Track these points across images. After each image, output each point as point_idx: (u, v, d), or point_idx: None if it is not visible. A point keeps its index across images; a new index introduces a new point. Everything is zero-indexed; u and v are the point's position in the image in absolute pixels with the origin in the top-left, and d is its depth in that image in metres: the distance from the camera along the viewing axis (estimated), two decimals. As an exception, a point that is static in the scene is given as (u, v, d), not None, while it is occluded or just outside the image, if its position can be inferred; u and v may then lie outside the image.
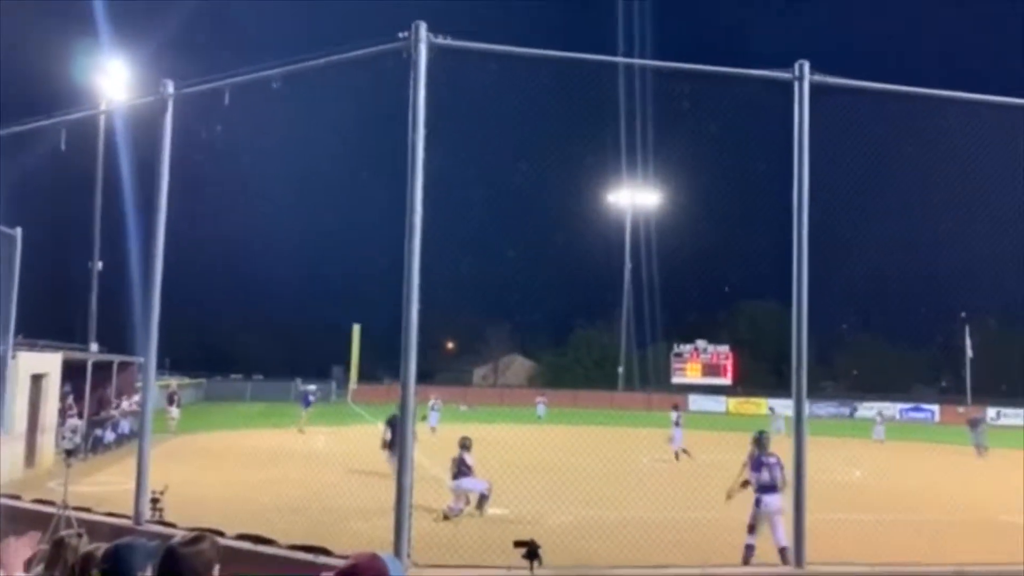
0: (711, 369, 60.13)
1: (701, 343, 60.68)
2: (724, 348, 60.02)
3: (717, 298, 67.43)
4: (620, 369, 63.33)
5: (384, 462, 17.61)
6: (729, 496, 10.31)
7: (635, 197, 62.50)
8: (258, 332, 64.54)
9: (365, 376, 51.52)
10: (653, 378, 62.46)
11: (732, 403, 54.75)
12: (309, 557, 6.36)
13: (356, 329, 53.82)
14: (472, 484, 13.97)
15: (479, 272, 69.46)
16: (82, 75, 27.78)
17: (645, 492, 13.70)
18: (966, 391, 57.34)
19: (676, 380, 60.25)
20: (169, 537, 3.63)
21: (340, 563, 3.23)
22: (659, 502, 12.76)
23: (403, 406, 6.39)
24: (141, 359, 8.25)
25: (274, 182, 63.94)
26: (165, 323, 7.92)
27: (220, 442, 25.37)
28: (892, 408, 51.42)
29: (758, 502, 9.81)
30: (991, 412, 51.31)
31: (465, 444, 14.37)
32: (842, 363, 64.42)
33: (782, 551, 8.88)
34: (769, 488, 9.81)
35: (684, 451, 23.57)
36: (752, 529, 9.68)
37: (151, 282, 7.63)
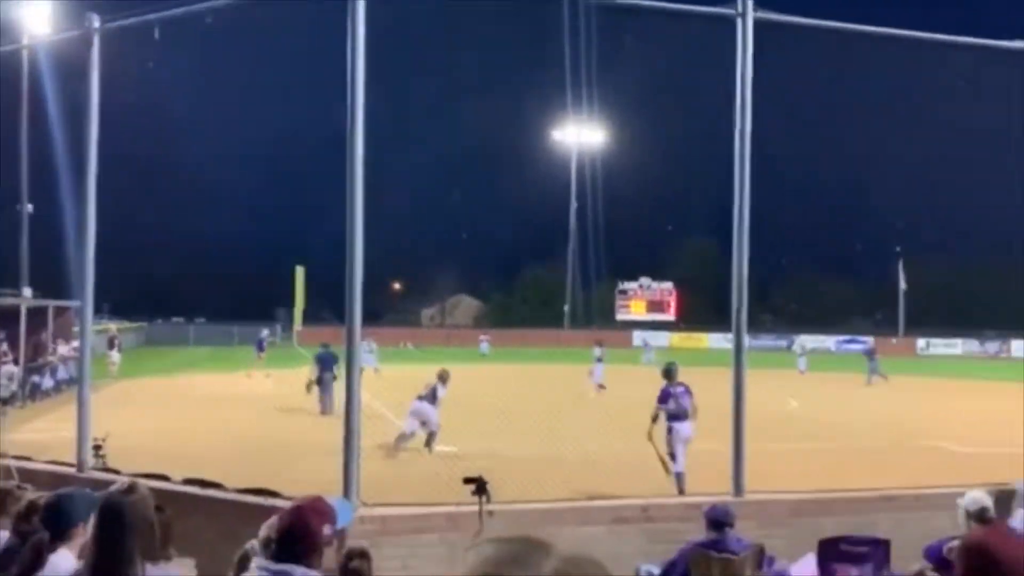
0: (655, 306, 61.11)
1: (645, 280, 61.52)
2: (668, 285, 60.95)
3: (661, 236, 68.23)
4: (566, 307, 63.94)
5: (317, 401, 18.29)
6: (649, 437, 10.50)
7: (580, 134, 62.29)
8: (199, 275, 63.25)
9: (310, 318, 51.05)
10: (599, 316, 63.23)
11: (675, 338, 55.80)
12: (258, 500, 6.37)
13: (299, 271, 53.11)
14: (431, 414, 13.99)
15: (424, 211, 68.97)
16: (2, 9, 26.35)
17: (588, 426, 13.97)
18: (899, 323, 59.36)
19: (621, 317, 61.11)
20: (112, 484, 3.60)
21: (288, 505, 3.25)
22: (603, 436, 13.03)
23: (349, 348, 6.38)
24: (78, 303, 8.04)
25: (211, 121, 62.03)
26: (101, 267, 7.72)
27: (164, 387, 25.04)
28: (828, 340, 53.06)
29: (670, 430, 10.32)
30: (920, 343, 53.34)
31: (443, 376, 14.37)
32: (781, 297, 66.04)
33: (678, 476, 9.79)
34: (678, 416, 10.29)
35: (601, 386, 23.87)
36: (674, 457, 10.14)
37: (84, 224, 7.41)
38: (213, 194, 62.08)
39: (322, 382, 18.43)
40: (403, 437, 13.62)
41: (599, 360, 25.55)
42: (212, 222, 63.32)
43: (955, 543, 5.89)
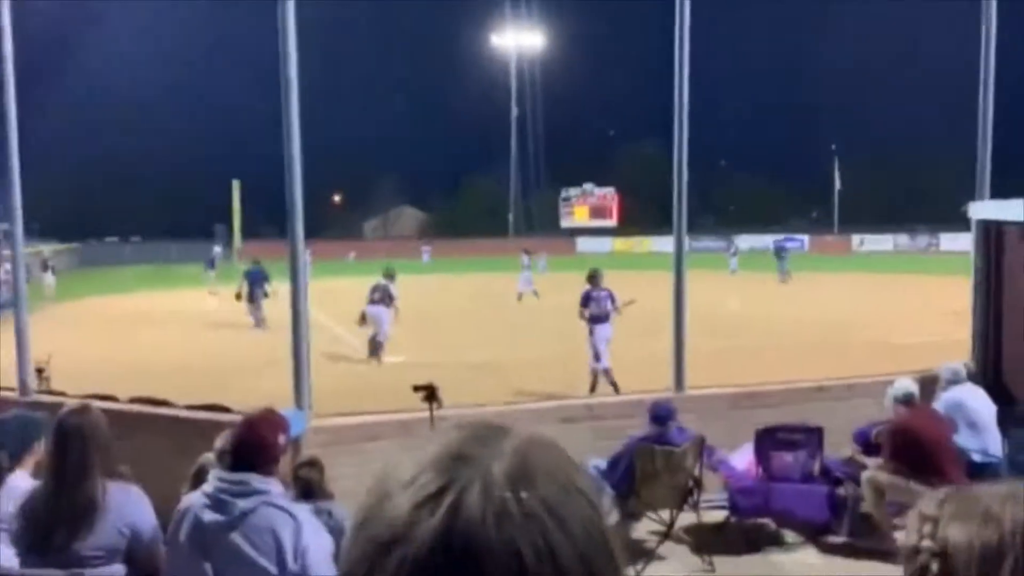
0: (598, 211, 61.38)
1: (588, 186, 61.60)
2: (610, 190, 61.14)
3: (603, 141, 68.14)
4: (510, 216, 63.93)
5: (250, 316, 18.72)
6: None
7: (520, 39, 61.03)
8: (133, 192, 61.34)
9: (249, 233, 50.15)
10: (543, 223, 63.42)
11: (618, 243, 56.40)
12: (208, 415, 6.39)
13: (236, 185, 51.82)
14: (385, 320, 13.91)
15: (363, 121, 67.48)
16: None
17: (528, 331, 14.22)
18: (834, 221, 60.82)
19: (565, 224, 61.37)
20: (59, 406, 3.59)
21: (241, 417, 3.29)
22: (543, 340, 13.30)
23: (293, 261, 6.33)
24: (5, 225, 7.76)
25: (141, 28, 59.07)
26: (30, 186, 7.45)
27: (102, 307, 24.59)
28: (767, 240, 54.15)
29: (592, 332, 11.05)
30: (855, 239, 54.83)
31: (390, 273, 14.40)
32: (720, 198, 66.88)
33: (606, 372, 10.80)
34: (599, 319, 11.04)
35: (534, 292, 24.23)
36: (598, 356, 10.97)
37: (6, 139, 7.08)
38: (144, 108, 59.69)
39: (253, 298, 18.88)
40: (377, 345, 13.64)
41: (527, 268, 25.87)
42: (144, 140, 61.09)
43: (881, 427, 6.26)
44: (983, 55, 8.41)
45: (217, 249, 33.68)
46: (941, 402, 6.81)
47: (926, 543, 1.04)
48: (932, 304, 17.67)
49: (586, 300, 11.25)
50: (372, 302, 13.89)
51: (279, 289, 15.58)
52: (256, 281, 18.92)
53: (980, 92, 8.45)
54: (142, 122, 60.93)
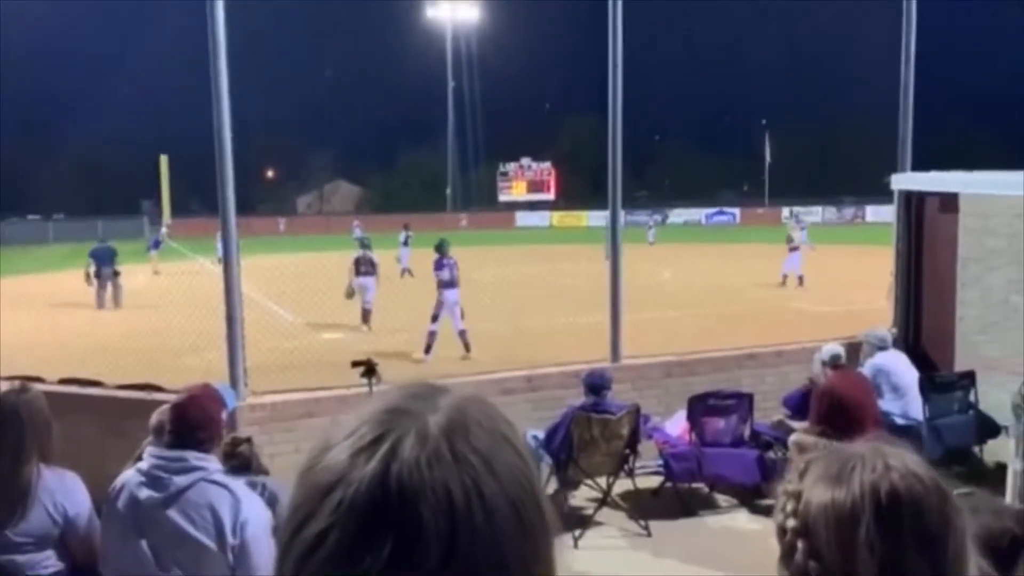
0: (535, 186, 61.55)
1: (525, 161, 61.63)
2: (546, 165, 61.29)
3: (539, 115, 68.13)
4: (448, 191, 63.58)
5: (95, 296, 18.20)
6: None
7: (455, 11, 60.42)
8: (54, 168, 59.03)
9: (178, 210, 48.87)
10: (481, 198, 63.27)
11: (555, 217, 56.66)
12: (141, 395, 6.27)
13: (163, 160, 50.33)
14: (372, 286, 14.49)
15: (295, 94, 66.10)
16: None
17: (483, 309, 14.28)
18: (764, 194, 62.10)
19: (503, 198, 61.37)
20: (-16, 386, 3.48)
21: (174, 398, 3.25)
22: (480, 314, 13.38)
23: (225, 238, 6.22)
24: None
25: (65, 12, 56.66)
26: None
27: (24, 287, 23.68)
28: (698, 213, 55.07)
29: (441, 295, 11.88)
30: (785, 212, 56.12)
31: (367, 244, 15.14)
32: (655, 173, 67.67)
33: (461, 334, 11.72)
34: (449, 284, 11.92)
35: (408, 271, 24.02)
36: (435, 319, 11.84)
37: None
38: (65, 80, 57.40)
39: (100, 276, 18.46)
40: (367, 313, 14.35)
41: (405, 244, 25.73)
42: (67, 115, 58.80)
43: (811, 385, 6.49)
44: (904, 31, 8.68)
45: (164, 229, 32.37)
46: (866, 367, 7.08)
47: (790, 522, 1.04)
48: (857, 273, 18.23)
49: (440, 266, 12.10)
50: (361, 274, 14.49)
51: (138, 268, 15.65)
52: (103, 260, 18.63)
53: (902, 67, 8.73)
54: (64, 97, 58.69)
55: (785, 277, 20.71)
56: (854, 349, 7.51)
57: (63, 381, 6.67)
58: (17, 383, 3.36)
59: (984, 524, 1.41)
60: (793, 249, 20.99)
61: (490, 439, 0.69)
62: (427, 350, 11.69)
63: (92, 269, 18.37)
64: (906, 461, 1.03)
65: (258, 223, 43.81)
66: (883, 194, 9.40)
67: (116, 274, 18.23)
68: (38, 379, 6.05)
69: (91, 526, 3.24)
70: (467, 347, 11.64)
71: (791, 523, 1.04)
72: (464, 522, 0.63)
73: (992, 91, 62.44)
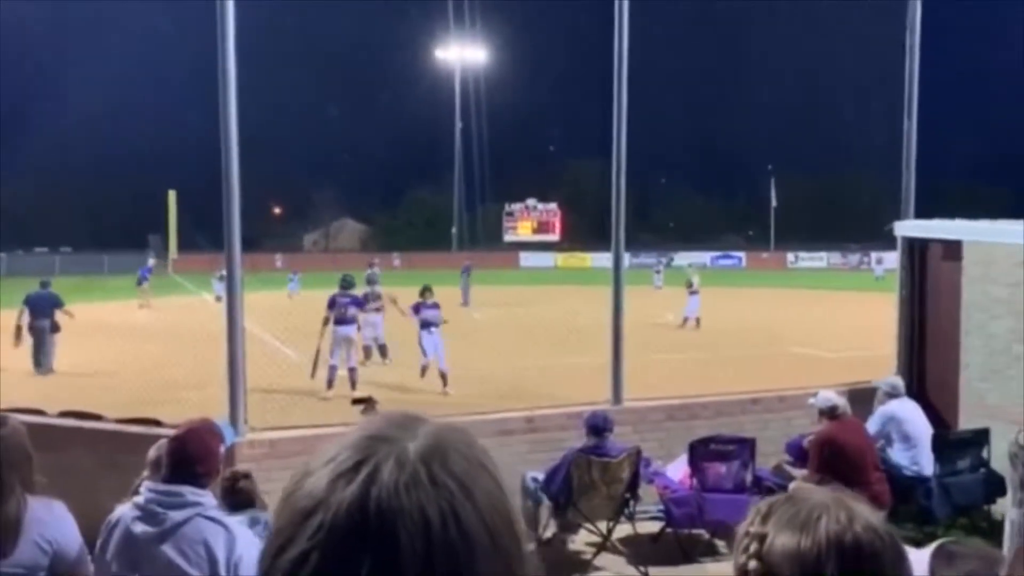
0: (541, 227, 61.82)
1: (531, 202, 61.95)
2: (552, 206, 61.59)
3: (545, 156, 68.68)
4: (453, 230, 63.81)
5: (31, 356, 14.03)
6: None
7: (464, 53, 61.23)
8: (63, 201, 59.49)
9: (185, 245, 49.10)
10: (486, 237, 63.48)
11: (560, 258, 56.80)
12: (141, 430, 6.25)
13: (172, 195, 50.72)
14: (380, 322, 14.71)
15: (304, 133, 66.78)
16: None
17: (471, 346, 14.29)
18: (770, 238, 62.22)
19: (508, 239, 61.61)
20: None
21: (172, 432, 3.24)
22: (484, 355, 13.45)
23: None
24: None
25: (71, 36, 57.61)
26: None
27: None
28: (703, 256, 55.15)
29: (334, 332, 12.16)
30: (790, 256, 56.23)
31: (372, 280, 15.48)
32: (660, 216, 67.88)
33: (332, 368, 12.01)
34: (342, 321, 12.14)
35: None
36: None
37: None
38: (75, 116, 58.07)
39: (34, 331, 14.23)
40: (383, 348, 14.71)
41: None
42: (75, 149, 59.36)
43: (811, 437, 6.45)
44: (907, 83, 8.78)
45: (151, 261, 32.53)
46: (878, 414, 7.00)
47: (752, 564, 1.07)
48: (862, 319, 18.19)
49: (331, 304, 12.38)
50: (370, 310, 14.47)
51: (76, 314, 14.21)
52: (41, 309, 14.35)
53: (904, 118, 8.82)
54: (74, 131, 59.32)
55: (686, 320, 21.34)
56: (857, 395, 7.48)
57: (62, 414, 6.66)
58: (-2, 419, 3.36)
59: (971, 571, 1.44)
60: (693, 293, 21.66)
61: (467, 465, 0.70)
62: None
63: (26, 320, 14.20)
64: (867, 514, 1.08)
65: (263, 259, 43.89)
66: (888, 240, 9.42)
67: (55, 328, 14.28)
68: (37, 411, 6.05)
69: (81, 557, 3.22)
70: (330, 384, 12.00)
71: (753, 564, 1.06)
72: (440, 545, 0.65)
73: (997, 142, 62.90)
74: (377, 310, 14.60)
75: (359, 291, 14.27)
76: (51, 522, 3.24)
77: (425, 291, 13.30)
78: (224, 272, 6.20)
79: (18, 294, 15.22)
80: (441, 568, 0.64)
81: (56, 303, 14.60)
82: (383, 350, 14.72)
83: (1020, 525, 3.18)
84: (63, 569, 3.22)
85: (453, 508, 0.66)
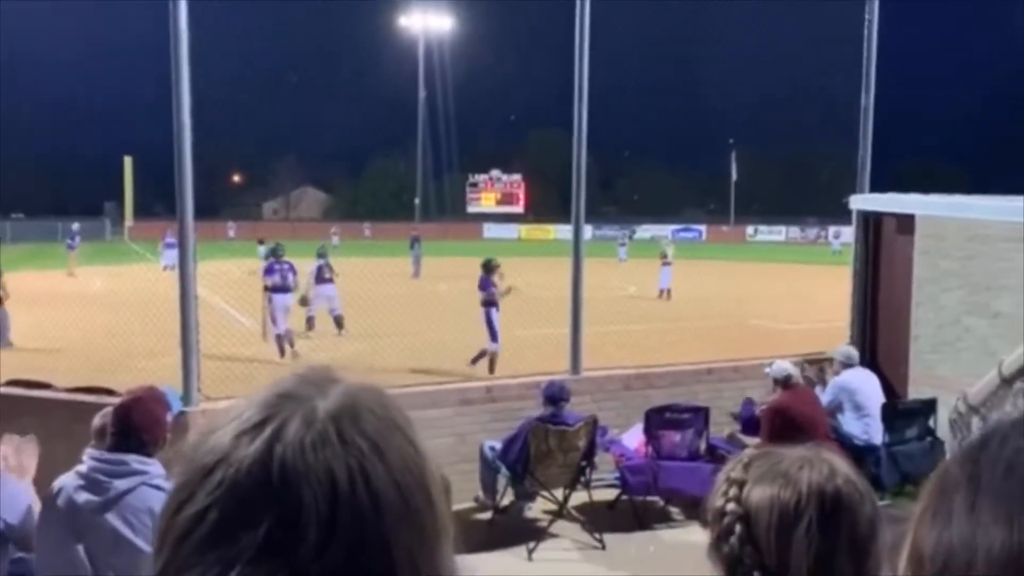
0: (505, 198, 61.67)
1: (495, 173, 61.77)
2: (516, 177, 61.45)
3: (509, 127, 68.27)
4: (416, 200, 63.38)
5: None
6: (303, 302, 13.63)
7: (428, 21, 60.47)
8: (15, 167, 57.93)
9: (142, 212, 48.21)
10: (450, 208, 63.20)
11: (524, 230, 56.76)
12: (91, 399, 6.15)
13: (128, 162, 49.65)
14: (335, 292, 14.39)
15: (265, 101, 65.59)
16: None
17: (431, 318, 14.24)
18: (730, 212, 62.78)
19: (472, 209, 61.39)
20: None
21: (117, 400, 3.19)
22: (446, 327, 13.39)
23: (183, 241, 6.15)
24: None
25: (29, 10, 55.77)
26: None
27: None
28: (664, 229, 55.47)
29: (270, 300, 12.53)
30: (749, 230, 56.81)
31: (323, 252, 14.95)
32: (623, 188, 68.09)
33: (279, 337, 12.36)
34: (279, 289, 12.61)
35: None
36: (275, 320, 12.59)
37: None
38: (28, 80, 56.40)
39: None
40: (339, 318, 14.30)
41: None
42: (28, 114, 57.67)
43: (763, 406, 6.55)
44: (865, 55, 8.86)
45: (75, 226, 31.83)
46: (832, 384, 7.13)
47: (731, 506, 1.11)
48: (818, 292, 18.44)
49: (269, 271, 12.78)
50: (324, 281, 14.41)
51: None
52: None
53: (862, 90, 8.90)
54: (26, 95, 57.65)
55: (661, 291, 21.66)
56: (820, 366, 7.62)
57: (10, 383, 6.53)
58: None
59: (902, 532, 1.50)
60: (666, 264, 22.01)
61: (380, 425, 0.67)
62: (281, 351, 12.35)
63: None
64: (846, 469, 1.14)
65: (220, 227, 43.15)
66: (846, 214, 9.54)
67: None
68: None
69: (29, 530, 3.17)
70: (281, 352, 12.23)
71: (731, 507, 1.11)
72: (346, 506, 0.62)
73: (956, 124, 63.93)
74: (330, 280, 14.46)
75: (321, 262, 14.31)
76: (1, 498, 3.18)
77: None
78: (169, 239, 6.11)
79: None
80: (346, 529, 0.62)
81: None
82: (339, 321, 14.47)
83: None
84: (19, 542, 3.17)
85: (363, 468, 0.64)
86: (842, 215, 10.21)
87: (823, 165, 58.21)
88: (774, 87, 64.53)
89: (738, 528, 1.09)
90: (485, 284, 11.81)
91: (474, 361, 11.33)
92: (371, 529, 0.63)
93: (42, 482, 3.40)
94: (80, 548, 2.71)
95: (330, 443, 0.64)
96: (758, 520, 1.08)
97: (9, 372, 7.07)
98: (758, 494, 1.10)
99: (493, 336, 11.48)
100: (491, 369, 11.01)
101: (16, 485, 3.34)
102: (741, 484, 1.12)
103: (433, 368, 10.24)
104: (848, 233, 9.98)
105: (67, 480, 2.84)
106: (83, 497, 2.75)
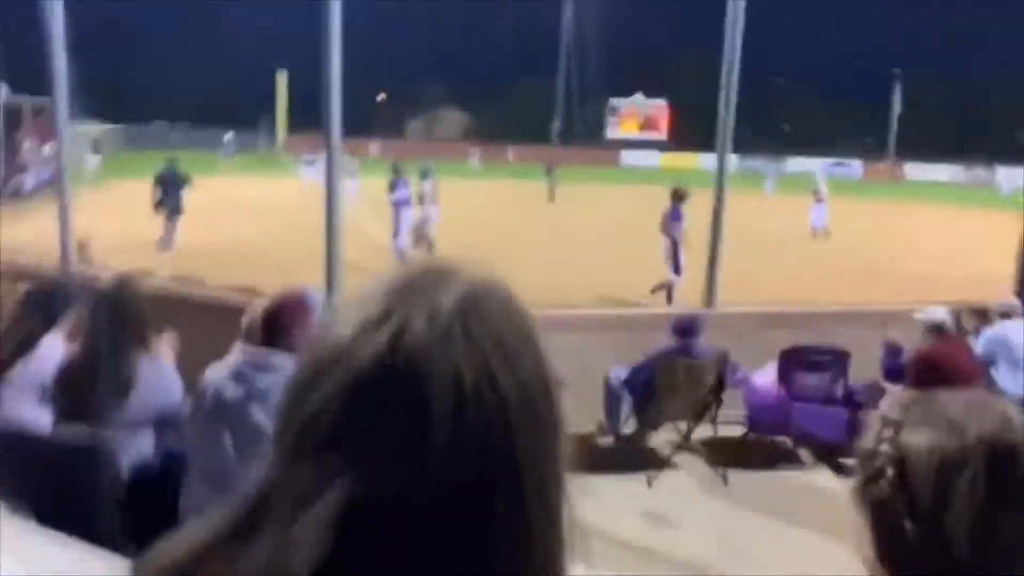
0: (647, 124, 60.01)
1: (638, 97, 60.08)
2: (660, 102, 59.59)
3: (658, 51, 66.04)
4: (555, 124, 62.76)
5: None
6: None
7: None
8: (181, 77, 61.17)
9: (296, 126, 50.09)
10: (588, 132, 62.29)
11: (665, 159, 55.32)
12: (242, 298, 6.52)
13: (281, 77, 51.50)
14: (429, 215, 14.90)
15: (412, 19, 66.08)
16: None
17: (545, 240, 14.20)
18: (890, 147, 58.91)
19: (611, 135, 60.20)
20: (97, 280, 3.68)
21: (266, 301, 3.34)
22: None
23: (329, 156, 6.34)
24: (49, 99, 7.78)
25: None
26: (78, 67, 7.45)
27: (146, 191, 24.89)
28: (815, 163, 52.73)
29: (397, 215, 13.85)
30: (908, 167, 53.18)
31: (424, 171, 15.39)
32: (775, 118, 64.89)
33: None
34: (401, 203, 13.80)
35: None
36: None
37: (51, 18, 7.07)
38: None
39: (164, 205, 14.57)
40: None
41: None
42: (191, 22, 60.45)
43: (911, 354, 6.20)
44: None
45: (229, 135, 33.27)
46: (986, 335, 6.66)
47: (884, 447, 1.03)
48: (977, 238, 17.24)
49: (394, 187, 14.21)
50: (425, 202, 15.05)
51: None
52: (170, 187, 14.74)
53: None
54: (193, 11, 60.32)
55: (814, 230, 20.45)
56: (978, 316, 7.11)
57: (172, 279, 7.00)
58: (117, 276, 3.52)
59: None
60: (819, 201, 20.82)
61: (506, 324, 0.64)
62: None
63: (158, 196, 14.70)
64: (1021, 419, 1.03)
65: (366, 145, 44.27)
66: (1018, 154, 8.74)
67: (178, 210, 14.57)
68: (147, 274, 6.36)
69: (182, 417, 3.42)
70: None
71: (885, 448, 1.03)
72: (473, 406, 0.60)
73: None
74: (431, 202, 15.01)
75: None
76: (160, 382, 3.43)
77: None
78: (308, 156, 6.32)
79: (141, 166, 15.83)
80: (471, 431, 0.60)
81: (182, 181, 14.99)
82: (428, 242, 14.70)
83: None
84: (167, 426, 3.44)
85: (489, 369, 0.61)
86: (1014, 155, 9.36)
87: (995, 99, 53.54)
88: (948, 10, 59.28)
89: (890, 471, 1.01)
90: (676, 214, 11.21)
91: (655, 291, 11.19)
92: (494, 433, 0.61)
93: (194, 372, 3.65)
94: (227, 439, 2.88)
95: (456, 341, 0.61)
96: (914, 465, 1.00)
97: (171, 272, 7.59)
98: (917, 438, 1.01)
99: (676, 269, 11.11)
100: (668, 300, 10.85)
101: (173, 374, 3.59)
102: (898, 425, 1.03)
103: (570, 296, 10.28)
104: (1020, 175, 9.17)
105: (217, 373, 3.01)
106: (231, 390, 2.91)
